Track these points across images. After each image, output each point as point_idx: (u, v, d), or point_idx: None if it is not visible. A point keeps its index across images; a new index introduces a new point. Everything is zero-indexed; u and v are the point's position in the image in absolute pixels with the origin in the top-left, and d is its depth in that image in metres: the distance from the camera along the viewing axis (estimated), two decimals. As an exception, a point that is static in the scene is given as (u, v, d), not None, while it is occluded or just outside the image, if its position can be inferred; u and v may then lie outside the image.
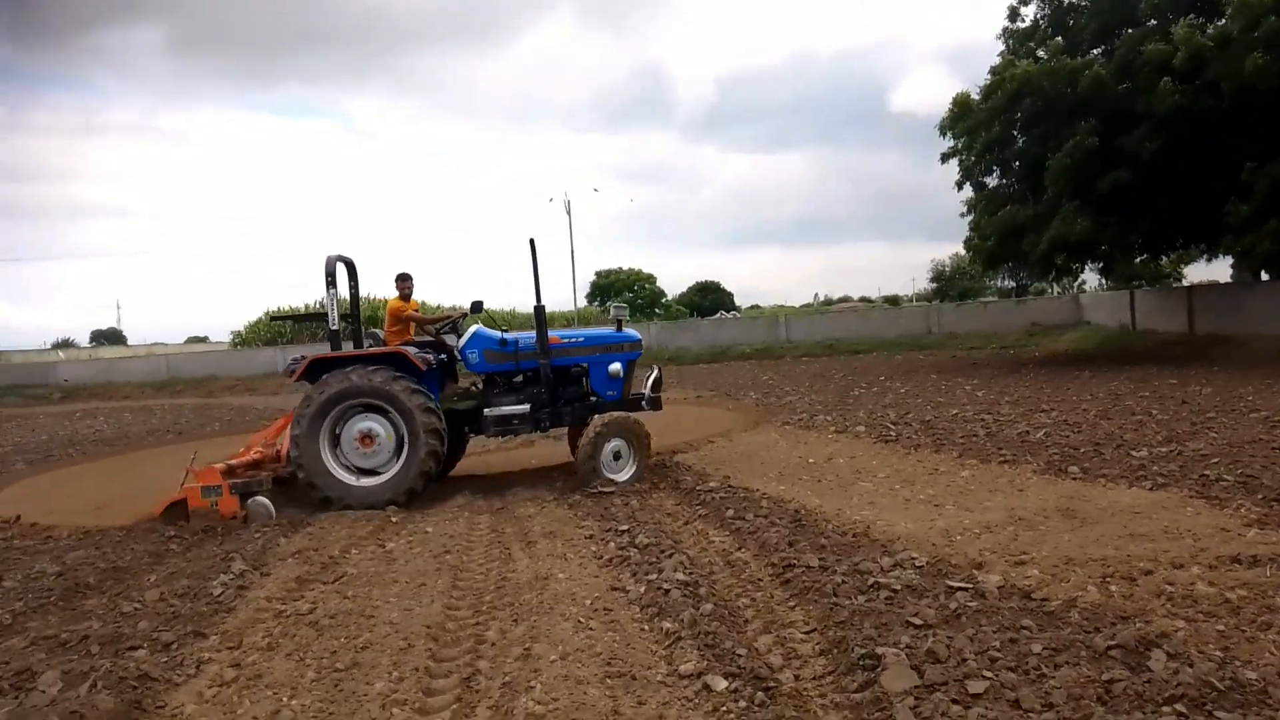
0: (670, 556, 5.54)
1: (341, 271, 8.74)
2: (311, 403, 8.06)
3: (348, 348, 8.66)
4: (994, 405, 12.78)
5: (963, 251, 36.14)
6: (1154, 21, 19.42)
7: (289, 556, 6.29)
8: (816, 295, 78.25)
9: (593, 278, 61.16)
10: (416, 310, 9.67)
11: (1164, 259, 27.73)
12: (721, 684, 3.62)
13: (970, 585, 4.53)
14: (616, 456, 8.41)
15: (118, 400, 29.17)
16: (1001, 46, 22.52)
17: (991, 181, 22.69)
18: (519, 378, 9.10)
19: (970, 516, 6.27)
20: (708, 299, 60.55)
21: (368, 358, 8.40)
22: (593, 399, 9.13)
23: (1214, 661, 3.42)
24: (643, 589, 5.01)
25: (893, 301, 63.86)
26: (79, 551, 6.88)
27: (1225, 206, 17.74)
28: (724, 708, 3.43)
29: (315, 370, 8.40)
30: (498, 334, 9.06)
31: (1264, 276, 23.45)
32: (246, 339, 40.25)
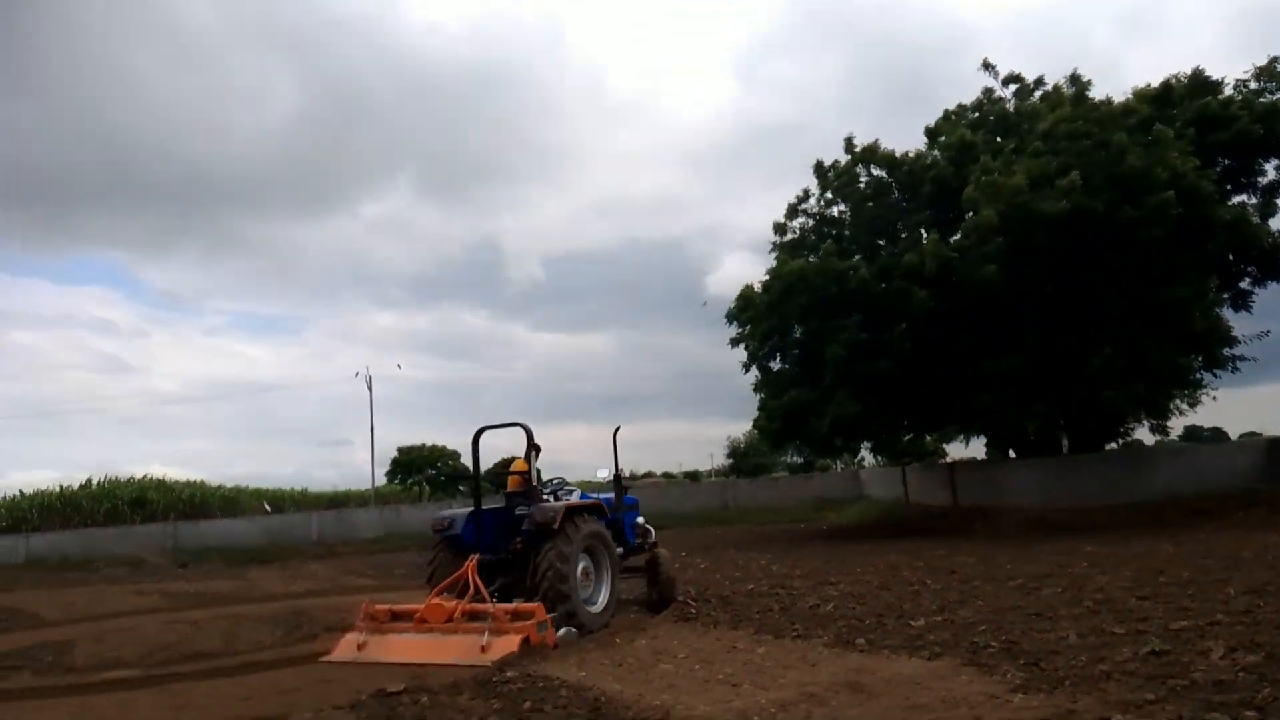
0: (460, 758, 5.15)
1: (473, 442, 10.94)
2: (576, 541, 9.49)
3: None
4: (786, 579, 13.23)
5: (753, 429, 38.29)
6: (905, 235, 22.45)
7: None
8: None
9: (394, 454, 58.81)
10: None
11: (927, 438, 30.53)
12: None
13: (766, 769, 4.50)
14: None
15: None
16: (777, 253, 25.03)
17: (775, 366, 24.57)
18: None
19: (766, 695, 6.31)
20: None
21: (588, 508, 10.22)
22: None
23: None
24: (428, 798, 4.58)
25: (693, 477, 65.65)
26: None
27: (970, 395, 20.06)
28: None
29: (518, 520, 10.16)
30: (593, 496, 11.31)
31: (1012, 454, 26.39)
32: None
